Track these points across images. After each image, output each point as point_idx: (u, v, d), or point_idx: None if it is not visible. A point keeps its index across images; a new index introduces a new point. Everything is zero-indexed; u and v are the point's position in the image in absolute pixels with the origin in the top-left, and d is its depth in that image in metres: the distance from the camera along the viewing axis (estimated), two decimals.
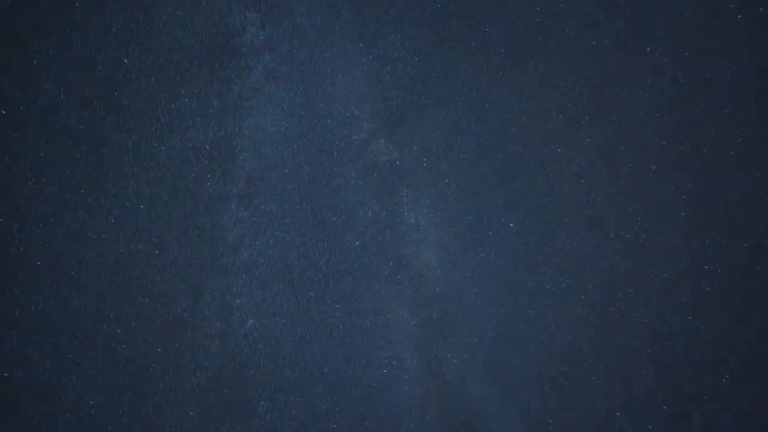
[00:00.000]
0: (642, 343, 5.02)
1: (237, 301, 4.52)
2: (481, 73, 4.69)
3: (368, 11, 4.38)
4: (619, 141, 4.77)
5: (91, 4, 3.70)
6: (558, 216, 5.08)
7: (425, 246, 4.89)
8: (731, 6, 4.42)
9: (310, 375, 4.78)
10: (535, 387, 5.28)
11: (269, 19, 4.17)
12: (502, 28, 4.58)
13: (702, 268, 4.83)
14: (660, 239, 4.83)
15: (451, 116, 4.71)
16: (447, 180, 4.82)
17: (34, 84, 3.69)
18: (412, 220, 4.79)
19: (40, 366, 3.88)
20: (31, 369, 3.89)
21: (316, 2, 4.27)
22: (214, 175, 4.27)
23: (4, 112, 3.35)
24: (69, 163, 3.83)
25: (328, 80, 4.42)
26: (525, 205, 5.09)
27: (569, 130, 4.89)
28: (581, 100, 4.74)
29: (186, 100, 4.05)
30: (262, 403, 4.58)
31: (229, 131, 4.18)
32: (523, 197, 5.07)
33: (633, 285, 5.00)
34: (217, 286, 4.42)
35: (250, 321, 4.53)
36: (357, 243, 4.73)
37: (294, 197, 4.50)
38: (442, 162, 4.78)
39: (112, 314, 4.02)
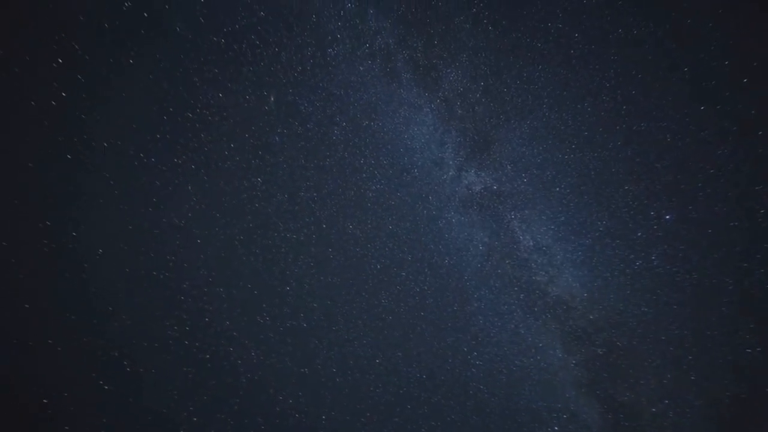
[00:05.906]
0: None
1: (377, 361, 4.67)
2: (560, 69, 4.28)
3: (424, 65, 4.68)
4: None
5: None
6: (740, 193, 3.81)
7: (555, 268, 4.22)
8: None
9: None
10: None
11: (341, 99, 4.86)
12: (569, 22, 4.21)
13: None
14: None
15: (540, 122, 4.33)
16: (557, 189, 4.26)
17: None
18: (531, 243, 4.28)
19: None
20: None
21: (379, 76, 4.81)
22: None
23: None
24: None
25: (405, 136, 4.72)
26: (679, 188, 4.01)
27: (694, 89, 3.86)
28: (689, 60, 3.77)
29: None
30: None
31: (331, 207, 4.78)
32: (672, 179, 4.03)
33: None
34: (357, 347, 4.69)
35: (393, 379, 4.56)
36: (476, 280, 4.44)
37: (403, 250, 4.65)
38: (546, 171, 4.30)
39: None
